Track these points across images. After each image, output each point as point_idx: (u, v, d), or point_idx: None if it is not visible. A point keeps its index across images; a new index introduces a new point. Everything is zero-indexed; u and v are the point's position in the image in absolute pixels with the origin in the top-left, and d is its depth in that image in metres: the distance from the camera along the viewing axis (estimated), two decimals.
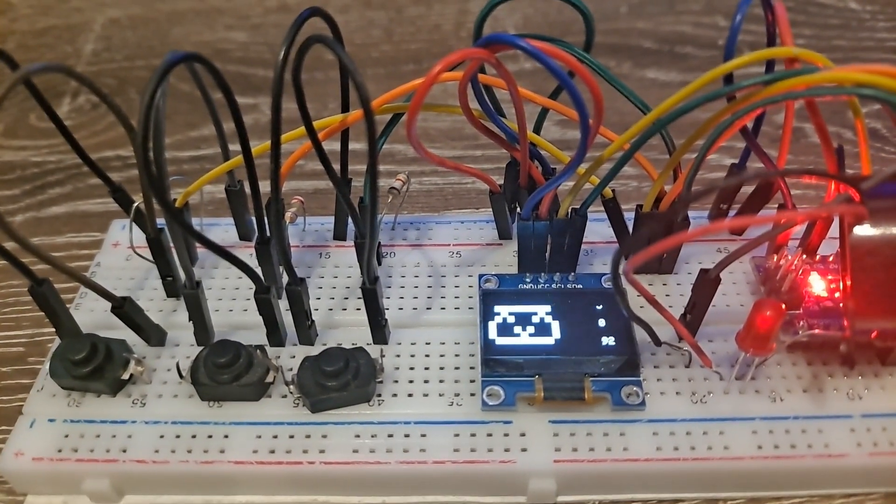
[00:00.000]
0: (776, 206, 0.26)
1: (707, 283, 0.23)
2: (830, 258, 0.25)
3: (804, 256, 0.25)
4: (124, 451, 0.22)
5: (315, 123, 0.21)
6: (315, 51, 0.19)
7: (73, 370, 0.23)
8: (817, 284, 0.24)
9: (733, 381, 0.23)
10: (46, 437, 0.23)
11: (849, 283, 0.22)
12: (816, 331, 0.23)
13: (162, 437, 0.22)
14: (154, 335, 0.25)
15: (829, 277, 0.25)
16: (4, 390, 0.26)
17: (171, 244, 0.25)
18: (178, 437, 0.22)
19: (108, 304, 0.23)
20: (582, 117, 0.19)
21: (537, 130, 0.26)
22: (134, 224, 0.26)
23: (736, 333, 0.22)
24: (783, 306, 0.21)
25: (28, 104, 0.39)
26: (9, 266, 0.21)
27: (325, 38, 0.19)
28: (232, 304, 0.27)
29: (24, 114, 0.40)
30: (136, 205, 0.26)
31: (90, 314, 0.26)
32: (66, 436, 0.23)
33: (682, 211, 0.25)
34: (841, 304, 0.23)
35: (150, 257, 0.25)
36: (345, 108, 0.24)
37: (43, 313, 0.23)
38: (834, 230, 0.24)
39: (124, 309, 0.23)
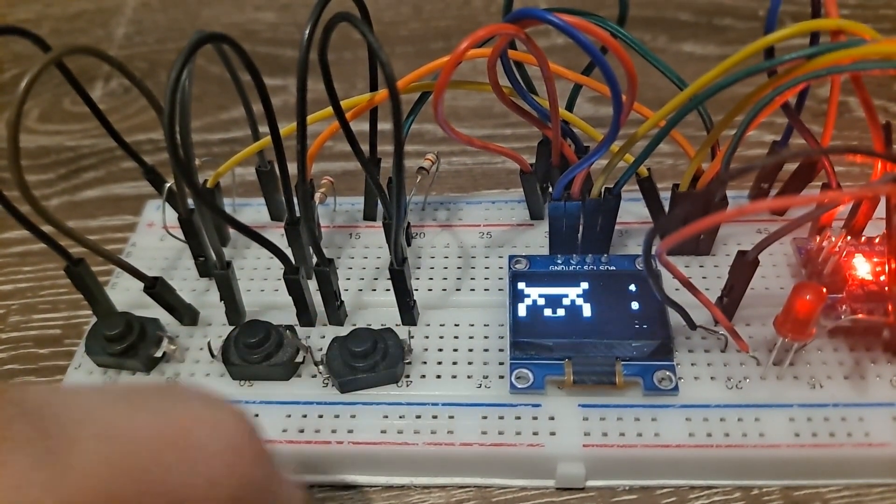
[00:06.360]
0: (820, 185, 0.26)
1: (745, 266, 0.22)
2: (876, 240, 0.24)
3: (848, 238, 0.24)
4: None
5: (342, 103, 0.21)
6: (344, 30, 0.19)
7: (108, 347, 0.23)
8: (862, 267, 0.24)
9: (771, 366, 0.23)
10: None
11: (894, 266, 0.21)
12: (859, 315, 0.22)
13: None
14: (186, 315, 0.25)
15: (875, 260, 0.24)
16: (42, 371, 0.26)
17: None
18: None
19: (143, 285, 0.24)
20: (614, 93, 0.19)
21: (570, 107, 0.26)
22: (167, 204, 0.26)
23: (774, 317, 0.21)
24: (824, 290, 0.20)
25: (61, 89, 0.40)
26: (45, 250, 0.22)
27: (349, 15, 0.18)
28: (263, 285, 0.27)
29: (57, 99, 0.40)
30: (168, 185, 0.26)
31: (126, 293, 0.26)
32: None
33: (720, 190, 0.24)
34: (886, 288, 0.23)
35: (183, 237, 0.25)
36: (373, 88, 0.24)
37: (79, 295, 0.24)
38: (881, 211, 0.23)
39: (156, 289, 0.24)
